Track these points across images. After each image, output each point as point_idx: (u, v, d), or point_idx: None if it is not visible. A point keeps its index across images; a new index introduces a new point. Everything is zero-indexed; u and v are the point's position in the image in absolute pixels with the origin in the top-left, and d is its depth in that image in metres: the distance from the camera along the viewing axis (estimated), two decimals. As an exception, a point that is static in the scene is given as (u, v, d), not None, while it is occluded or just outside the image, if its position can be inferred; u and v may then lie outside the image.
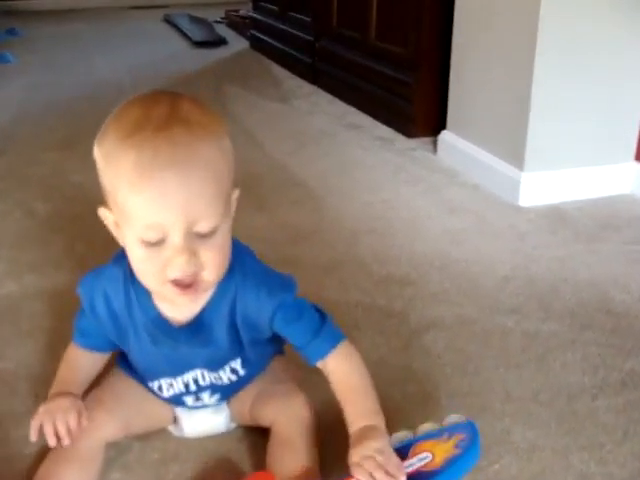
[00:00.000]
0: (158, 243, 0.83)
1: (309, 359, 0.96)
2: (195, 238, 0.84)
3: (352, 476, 0.85)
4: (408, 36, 2.42)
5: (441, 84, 2.30)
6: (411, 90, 2.44)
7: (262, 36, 3.94)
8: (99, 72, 3.60)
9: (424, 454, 0.88)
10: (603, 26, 1.84)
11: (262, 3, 3.93)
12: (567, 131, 1.90)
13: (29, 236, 1.73)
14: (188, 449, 1.04)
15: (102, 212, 0.90)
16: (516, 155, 1.91)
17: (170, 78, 3.34)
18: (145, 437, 1.05)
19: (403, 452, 0.89)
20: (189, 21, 4.93)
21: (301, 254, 1.63)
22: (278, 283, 0.96)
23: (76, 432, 0.93)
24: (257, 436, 1.03)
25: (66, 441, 0.92)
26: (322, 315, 0.97)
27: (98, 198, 0.90)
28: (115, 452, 1.02)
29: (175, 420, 1.06)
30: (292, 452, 0.95)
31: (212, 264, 0.86)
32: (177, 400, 1.03)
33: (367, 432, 0.89)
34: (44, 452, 0.97)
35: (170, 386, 1.01)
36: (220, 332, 0.96)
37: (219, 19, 5.10)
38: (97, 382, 1.05)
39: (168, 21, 5.20)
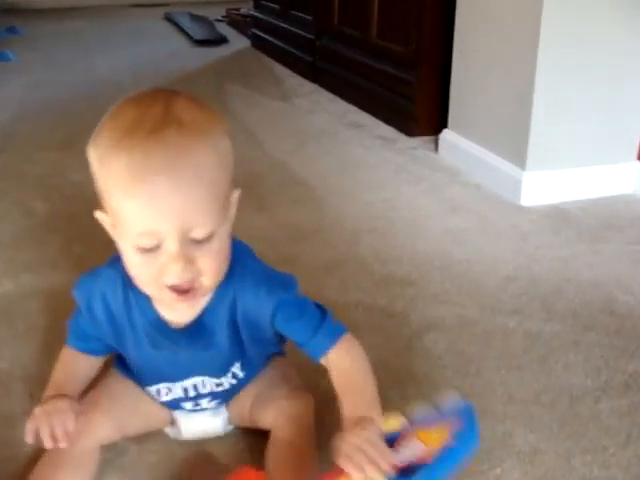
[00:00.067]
0: (153, 249, 0.82)
1: (312, 355, 0.94)
2: (191, 244, 0.82)
3: (340, 468, 0.81)
4: (409, 34, 2.41)
5: (442, 83, 2.29)
6: (412, 89, 2.43)
7: (263, 34, 3.93)
8: (99, 71, 3.59)
9: (415, 443, 0.84)
10: (605, 26, 1.83)
11: (263, 1, 3.92)
12: (569, 130, 1.88)
13: (26, 236, 1.72)
14: (185, 451, 1.02)
15: (99, 215, 0.89)
16: (518, 154, 1.89)
17: (171, 77, 3.33)
18: (141, 439, 1.04)
19: (393, 440, 0.85)
20: (190, 19, 4.93)
21: (302, 253, 1.61)
22: (278, 282, 0.94)
23: (73, 435, 0.92)
24: (255, 438, 1.02)
25: (63, 444, 0.91)
26: (323, 311, 0.95)
27: (96, 198, 0.88)
28: (111, 454, 1.00)
29: (172, 422, 1.05)
30: (292, 455, 0.93)
31: (210, 270, 0.85)
32: (175, 405, 1.02)
33: (359, 421, 0.85)
34: (39, 453, 0.95)
35: (169, 391, 1.00)
36: (221, 334, 0.94)
37: (220, 17, 5.10)
38: (94, 383, 1.03)
39: (169, 19, 5.19)
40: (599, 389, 1.16)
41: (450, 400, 0.90)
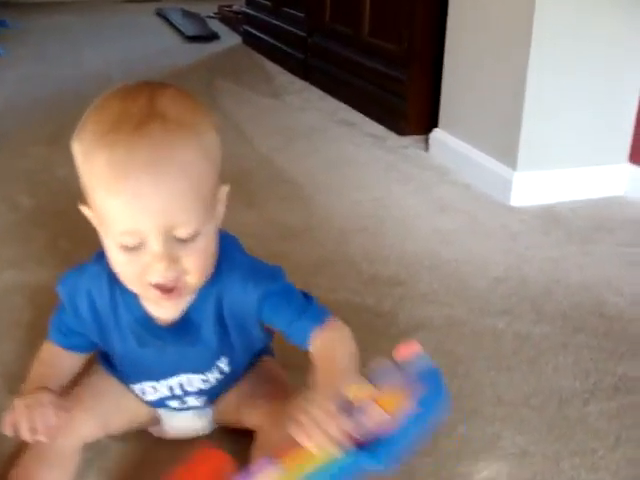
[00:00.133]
0: (137, 248, 0.80)
1: (298, 342, 0.91)
2: (175, 242, 0.81)
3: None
4: (401, 33, 2.40)
5: (434, 81, 2.28)
6: (404, 87, 2.42)
7: (255, 31, 3.91)
8: (90, 66, 3.56)
9: (375, 409, 0.75)
10: (599, 23, 1.82)
11: (255, -2, 3.90)
12: (560, 131, 1.88)
13: (12, 230, 1.70)
14: (168, 451, 1.01)
15: (84, 209, 0.87)
16: (509, 154, 1.89)
17: (162, 72, 3.31)
18: (124, 438, 1.02)
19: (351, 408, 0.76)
20: (182, 15, 4.91)
21: (290, 251, 1.60)
22: (265, 274, 0.93)
23: (54, 430, 0.89)
24: (239, 438, 1.00)
25: (43, 437, 0.88)
26: (307, 297, 0.93)
27: (82, 194, 0.86)
28: (93, 453, 0.99)
29: (156, 420, 1.03)
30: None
31: (194, 268, 0.83)
32: (160, 403, 1.00)
33: (318, 388, 0.80)
34: (19, 452, 0.93)
35: (154, 390, 0.98)
36: (207, 329, 0.93)
37: (212, 14, 5.08)
38: (77, 380, 1.01)
39: (160, 15, 5.17)
40: (588, 391, 1.16)
41: (416, 361, 0.82)
